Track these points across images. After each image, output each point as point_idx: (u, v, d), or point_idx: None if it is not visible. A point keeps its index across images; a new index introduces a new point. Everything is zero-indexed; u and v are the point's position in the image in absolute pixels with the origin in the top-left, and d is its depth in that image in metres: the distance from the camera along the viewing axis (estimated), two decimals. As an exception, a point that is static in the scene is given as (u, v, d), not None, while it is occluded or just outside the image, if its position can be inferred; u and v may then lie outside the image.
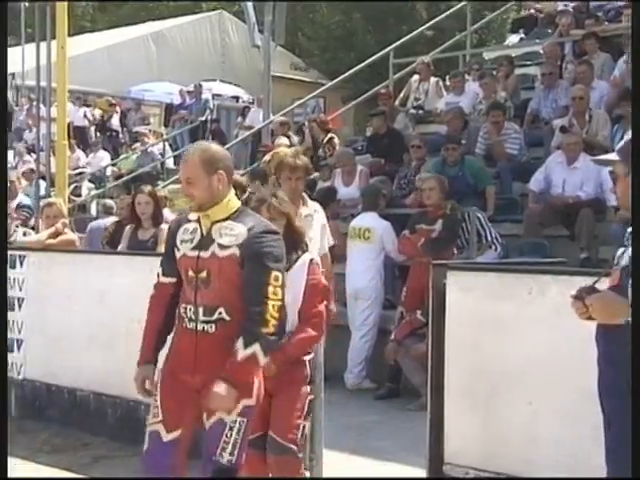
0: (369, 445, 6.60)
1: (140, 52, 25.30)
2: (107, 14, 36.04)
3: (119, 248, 8.12)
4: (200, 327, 4.01)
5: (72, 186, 14.40)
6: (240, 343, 3.84)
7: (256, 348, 3.84)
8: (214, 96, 21.37)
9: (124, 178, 16.19)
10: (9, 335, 7.35)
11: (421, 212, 8.69)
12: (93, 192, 15.98)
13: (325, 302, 4.77)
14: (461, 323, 5.11)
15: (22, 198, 12.89)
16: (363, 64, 14.26)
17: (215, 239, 3.98)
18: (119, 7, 35.56)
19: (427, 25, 16.64)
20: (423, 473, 5.29)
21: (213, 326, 3.99)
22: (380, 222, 8.85)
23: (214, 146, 4.17)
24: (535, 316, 4.80)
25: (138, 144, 18.20)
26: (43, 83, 10.94)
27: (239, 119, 20.30)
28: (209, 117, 19.48)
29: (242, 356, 3.84)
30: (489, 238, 8.68)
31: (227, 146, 15.56)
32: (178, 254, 4.09)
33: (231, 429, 3.97)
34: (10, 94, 23.35)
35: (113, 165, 17.54)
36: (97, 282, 7.27)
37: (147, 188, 8.31)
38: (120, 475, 6.10)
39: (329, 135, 12.64)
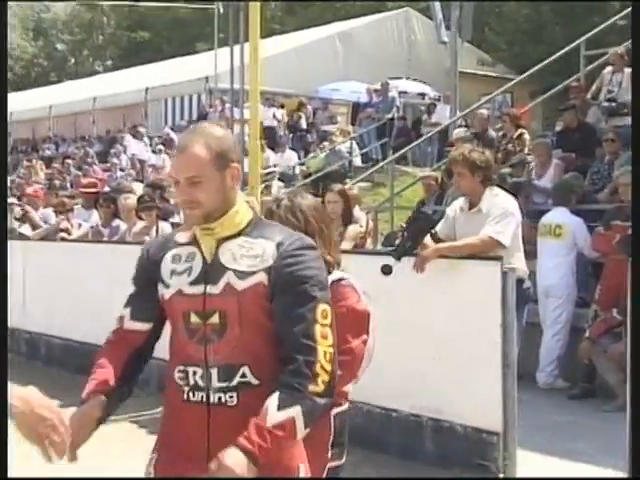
0: (563, 446, 6.45)
1: (327, 52, 25.67)
2: (295, 16, 36.78)
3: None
4: (214, 398, 2.70)
5: (263, 185, 14.76)
6: (273, 401, 2.58)
7: (296, 412, 2.56)
8: (400, 94, 21.43)
9: (313, 177, 16.48)
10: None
11: (617, 208, 8.42)
12: (283, 191, 16.32)
13: (363, 336, 3.58)
14: (662, 322, 4.92)
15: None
16: (553, 57, 13.94)
17: (227, 265, 2.71)
18: (306, 9, 36.24)
19: (620, 15, 16.09)
20: (623, 476, 5.13)
21: (234, 395, 2.68)
22: (572, 218, 8.65)
23: (220, 128, 2.85)
24: None
25: (326, 143, 18.47)
26: (236, 85, 11.24)
27: (425, 116, 20.28)
28: (396, 115, 19.54)
29: (274, 422, 2.56)
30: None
31: (413, 144, 15.72)
32: (166, 293, 2.79)
33: None
34: (203, 97, 24.22)
35: (302, 164, 17.87)
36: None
37: (337, 187, 8.40)
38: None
39: (519, 130, 12.43)
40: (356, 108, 21.88)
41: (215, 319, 2.69)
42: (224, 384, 2.67)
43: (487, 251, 6.19)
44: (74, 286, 9.46)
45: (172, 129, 22.92)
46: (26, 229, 11.36)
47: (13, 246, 10.59)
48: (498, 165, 10.39)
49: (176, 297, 2.76)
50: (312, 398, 2.59)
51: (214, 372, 2.68)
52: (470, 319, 5.95)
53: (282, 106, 21.00)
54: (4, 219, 2.12)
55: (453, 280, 6.13)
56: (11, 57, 59.60)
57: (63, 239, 10.61)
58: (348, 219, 8.05)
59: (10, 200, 14.59)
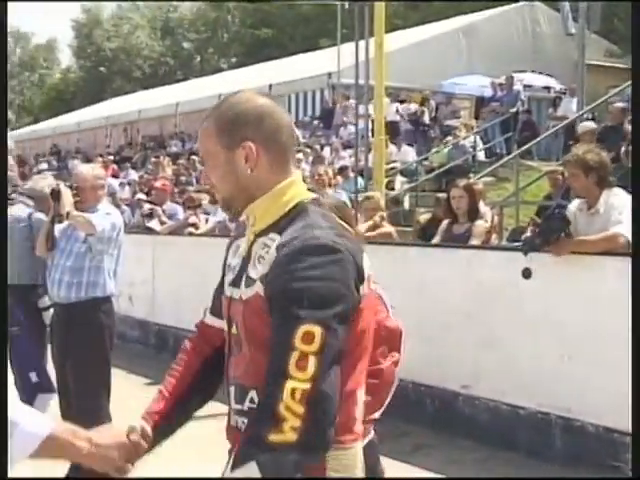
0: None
1: (451, 46, 25.46)
2: (418, 11, 36.62)
3: (434, 241, 8.22)
4: (233, 420, 2.30)
5: (386, 180, 14.76)
6: (232, 457, 2.05)
7: (250, 472, 1.95)
8: (525, 87, 21.08)
9: (436, 172, 16.37)
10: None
11: None
12: (406, 186, 16.27)
13: (394, 355, 3.10)
14: None
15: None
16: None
17: (247, 267, 2.27)
18: (429, 4, 36.01)
19: None
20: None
21: (246, 422, 2.22)
22: None
23: (248, 98, 2.27)
24: None
25: (449, 137, 18.32)
26: (360, 81, 11.26)
27: (550, 110, 19.87)
28: (520, 108, 19.23)
29: None
30: None
31: (539, 138, 15.45)
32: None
33: None
34: (326, 93, 24.35)
35: (425, 159, 17.77)
36: (414, 274, 7.42)
37: (462, 182, 8.34)
38: (438, 464, 6.20)
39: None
40: (480, 102, 21.63)
41: (234, 329, 2.29)
42: (239, 406, 2.26)
43: (618, 248, 6.05)
44: (202, 279, 9.64)
45: (295, 125, 23.11)
46: (155, 224, 11.62)
47: (142, 240, 10.87)
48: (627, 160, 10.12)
49: (223, 296, 2.41)
50: (276, 451, 1.94)
51: (232, 391, 2.30)
52: (602, 317, 5.83)
53: (405, 101, 20.93)
54: (4, 218, 2.14)
55: (585, 277, 6.03)
56: (140, 56, 61.22)
57: (191, 234, 10.84)
58: (474, 214, 7.98)
59: (138, 196, 14.98)
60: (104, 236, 5.76)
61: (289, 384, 1.97)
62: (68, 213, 5.79)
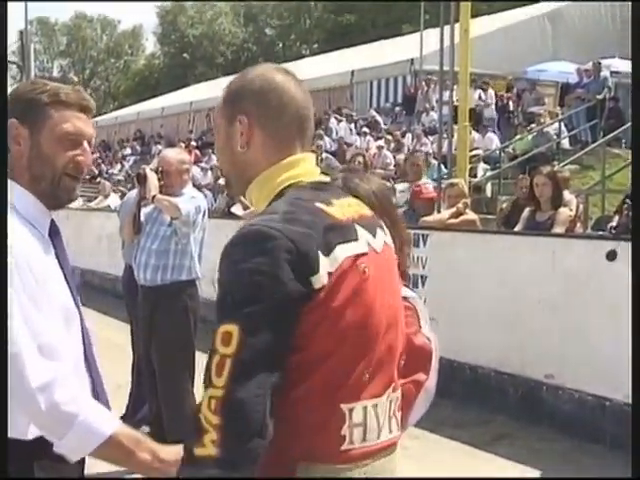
0: None
1: (536, 32, 25.09)
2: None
3: (516, 229, 8.13)
4: None
5: (468, 167, 14.63)
6: None
7: None
8: (612, 73, 20.65)
9: (519, 159, 16.17)
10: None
11: None
12: (488, 173, 16.12)
13: (417, 375, 2.50)
14: None
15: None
16: None
17: None
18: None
19: None
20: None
21: None
22: None
23: (260, 72, 2.11)
24: None
25: (533, 124, 18.07)
26: (444, 67, 11.17)
27: (639, 96, 19.46)
28: (607, 95, 18.85)
29: None
30: None
31: (626, 125, 15.13)
32: None
33: None
34: (408, 79, 24.23)
35: (506, 147, 17.55)
36: (497, 262, 7.37)
37: (546, 169, 8.23)
38: (521, 454, 6.15)
39: None
40: (565, 89, 21.28)
41: None
42: None
43: None
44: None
45: (377, 111, 23.05)
46: (237, 209, 11.71)
47: (224, 225, 10.97)
48: None
49: None
50: (197, 466, 1.79)
51: None
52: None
53: (488, 87, 20.70)
54: (4, 218, 2.12)
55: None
56: (222, 42, 61.72)
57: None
58: (558, 202, 7.87)
59: (220, 181, 15.13)
60: (189, 219, 5.82)
61: (208, 392, 1.80)
62: (154, 196, 5.88)
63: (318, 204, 1.96)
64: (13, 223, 2.18)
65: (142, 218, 6.10)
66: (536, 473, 5.85)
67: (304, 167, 2.07)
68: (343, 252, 1.92)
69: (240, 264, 1.84)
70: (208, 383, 1.80)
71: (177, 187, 6.02)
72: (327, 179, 2.11)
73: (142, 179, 6.04)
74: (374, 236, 2.06)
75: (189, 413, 5.36)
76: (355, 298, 1.92)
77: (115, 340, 7.76)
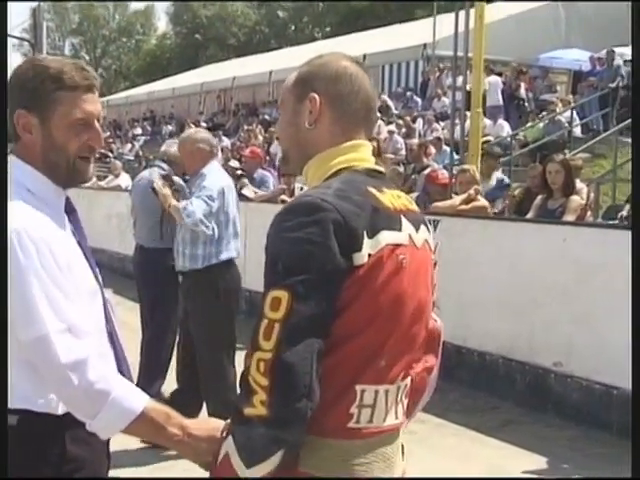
0: None
1: (549, 19, 25.00)
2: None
3: (528, 216, 8.12)
4: None
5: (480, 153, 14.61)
6: None
7: (228, 446, 1.93)
8: (626, 62, 20.56)
9: (530, 146, 16.14)
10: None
11: None
12: (500, 160, 16.08)
13: (428, 361, 2.34)
14: None
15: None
16: None
17: None
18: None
19: None
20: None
21: None
22: None
23: (334, 58, 2.18)
24: None
25: (545, 112, 18.02)
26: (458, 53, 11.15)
27: (652, 85, 19.37)
28: (620, 84, 18.78)
29: (219, 458, 2.00)
30: None
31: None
32: None
33: None
34: (420, 64, 24.17)
35: (517, 134, 17.51)
36: (507, 249, 7.37)
37: (559, 157, 8.22)
38: (527, 440, 6.16)
39: None
40: (577, 77, 21.22)
41: None
42: None
43: None
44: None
45: (389, 96, 23.00)
46: (248, 191, 11.73)
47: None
48: None
49: None
50: (248, 425, 1.85)
51: None
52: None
53: (500, 74, 20.63)
54: (4, 217, 2.13)
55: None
56: (235, 24, 61.61)
57: (283, 201, 10.90)
58: (569, 190, 7.86)
59: (231, 163, 15.13)
60: (196, 219, 5.77)
61: (256, 355, 1.86)
62: (170, 205, 5.98)
63: (370, 188, 2.02)
64: (28, 207, 2.19)
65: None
66: (542, 460, 5.86)
67: (363, 153, 2.13)
68: (386, 238, 1.97)
69: (292, 232, 1.90)
70: (256, 346, 1.86)
71: (193, 168, 6.04)
72: (381, 169, 2.15)
73: (156, 193, 6.23)
74: (417, 231, 2.10)
75: (231, 389, 5.52)
76: (388, 285, 1.96)
77: (124, 319, 7.76)
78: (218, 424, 2.14)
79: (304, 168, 2.15)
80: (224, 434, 2.00)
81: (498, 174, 10.90)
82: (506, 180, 10.71)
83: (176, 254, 6.03)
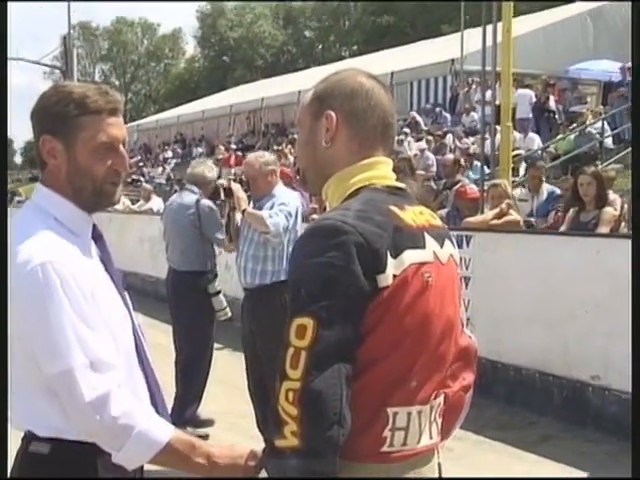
0: None
1: (577, 31, 24.92)
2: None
3: (561, 229, 8.07)
4: None
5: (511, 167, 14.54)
6: None
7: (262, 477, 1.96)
8: (656, 71, 20.45)
9: (561, 159, 16.05)
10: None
11: None
12: (531, 173, 15.99)
13: (465, 378, 2.26)
14: None
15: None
16: None
17: None
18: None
19: None
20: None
21: None
22: None
23: (351, 74, 2.15)
24: None
25: (575, 124, 17.93)
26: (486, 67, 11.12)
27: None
28: (649, 93, 18.67)
29: None
30: None
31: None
32: None
33: None
34: (449, 79, 24.15)
35: (547, 147, 17.43)
36: (540, 262, 7.31)
37: (590, 169, 8.17)
38: (567, 456, 6.10)
39: None
40: (607, 88, 21.11)
41: None
42: None
43: None
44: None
45: (418, 112, 23.00)
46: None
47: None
48: None
49: None
50: (281, 457, 1.82)
51: None
52: None
53: (529, 87, 20.56)
54: (4, 217, 2.12)
55: None
56: (262, 45, 61.95)
57: (313, 219, 10.91)
58: (602, 202, 7.80)
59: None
60: (279, 231, 5.81)
61: (284, 385, 1.82)
62: (244, 211, 5.97)
63: (391, 207, 1.99)
64: (55, 236, 2.18)
65: (239, 223, 6.18)
66: (582, 475, 5.80)
67: (382, 170, 2.09)
68: (410, 257, 1.94)
69: (313, 257, 1.86)
70: (283, 376, 1.83)
71: (265, 190, 6.06)
72: (402, 185, 2.11)
73: (228, 192, 6.22)
74: (441, 247, 2.07)
75: None
76: (414, 305, 1.93)
77: (158, 341, 7.80)
78: (243, 452, 2.15)
79: (323, 187, 2.11)
80: (252, 463, 2.01)
81: (547, 186, 10.82)
82: (557, 191, 10.60)
83: (242, 271, 6.00)
